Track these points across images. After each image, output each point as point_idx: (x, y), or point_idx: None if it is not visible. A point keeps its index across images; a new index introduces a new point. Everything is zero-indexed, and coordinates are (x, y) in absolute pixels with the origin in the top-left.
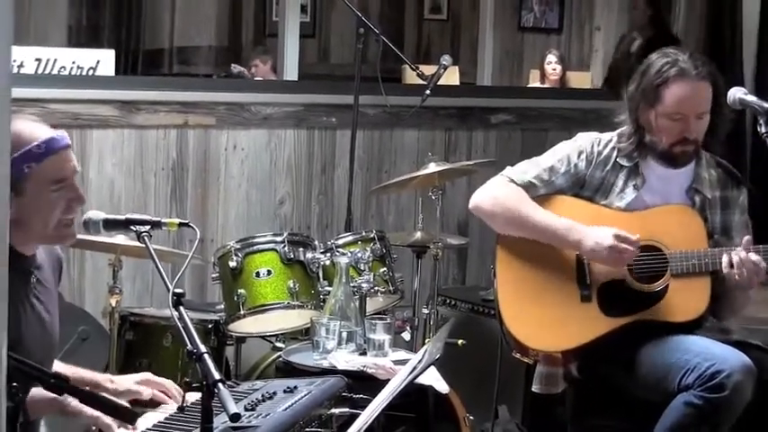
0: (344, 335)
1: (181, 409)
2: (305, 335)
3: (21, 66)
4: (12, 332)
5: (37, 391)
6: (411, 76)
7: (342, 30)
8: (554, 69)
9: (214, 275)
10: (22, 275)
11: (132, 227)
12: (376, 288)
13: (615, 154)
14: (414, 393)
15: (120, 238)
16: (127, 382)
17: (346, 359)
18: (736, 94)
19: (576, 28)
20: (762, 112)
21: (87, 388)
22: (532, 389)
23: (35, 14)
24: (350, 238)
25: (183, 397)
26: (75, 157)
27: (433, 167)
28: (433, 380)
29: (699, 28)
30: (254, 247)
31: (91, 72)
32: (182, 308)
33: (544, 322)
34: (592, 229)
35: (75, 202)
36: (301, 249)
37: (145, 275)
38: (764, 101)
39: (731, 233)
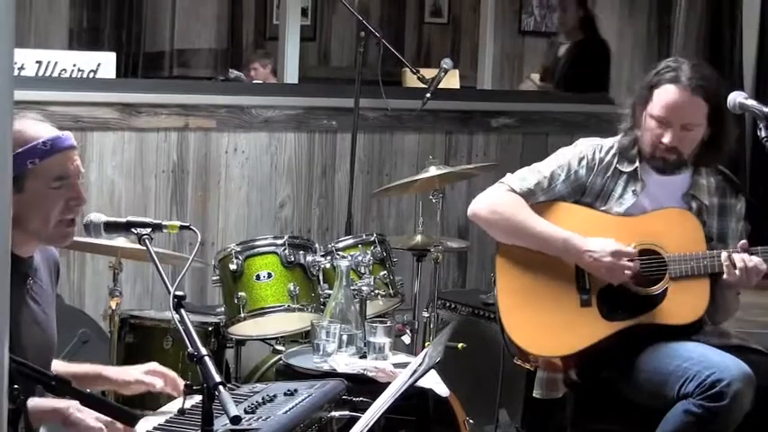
0: (345, 338)
1: (181, 411)
2: (305, 338)
3: (21, 68)
4: (9, 334)
5: (38, 401)
6: (411, 80)
7: (342, 33)
8: None
9: (214, 278)
10: (19, 278)
11: (133, 230)
12: (376, 291)
13: (616, 160)
14: (414, 396)
15: (120, 241)
16: (134, 372)
17: (346, 362)
18: (736, 98)
19: None
20: (762, 117)
21: (88, 390)
22: (533, 394)
23: (36, 17)
24: (350, 241)
25: (184, 400)
26: (79, 159)
27: (433, 171)
28: (434, 383)
29: (698, 33)
30: (255, 250)
31: (92, 75)
32: (182, 310)
33: (545, 328)
34: (591, 241)
35: (75, 201)
36: (302, 252)
37: (145, 278)
38: (764, 105)
39: (727, 240)
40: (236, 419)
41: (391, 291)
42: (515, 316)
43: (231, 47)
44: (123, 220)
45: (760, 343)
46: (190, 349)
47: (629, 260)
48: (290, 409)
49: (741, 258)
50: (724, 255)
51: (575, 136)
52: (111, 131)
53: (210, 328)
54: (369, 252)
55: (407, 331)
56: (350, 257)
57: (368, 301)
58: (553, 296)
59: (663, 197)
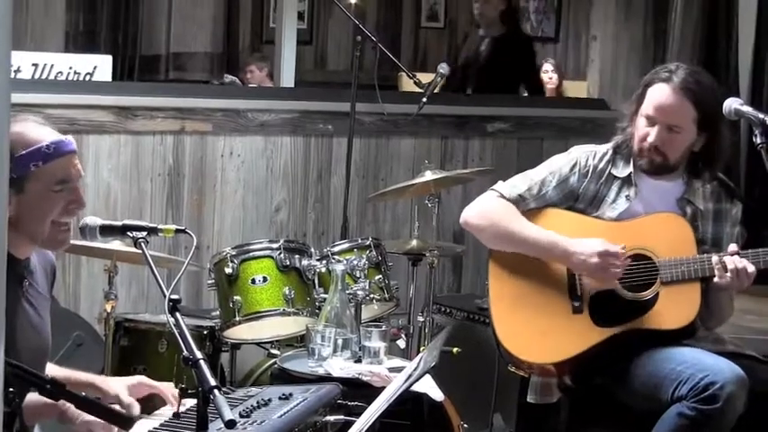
0: (340, 342)
1: (176, 415)
2: (300, 342)
3: (18, 71)
4: (5, 337)
5: (33, 397)
6: (408, 84)
7: (339, 37)
8: (550, 78)
9: (210, 282)
10: (15, 279)
11: (129, 233)
12: (371, 295)
13: (610, 166)
14: (409, 401)
15: (115, 244)
16: (118, 385)
17: (341, 366)
18: (731, 104)
19: (573, 37)
20: (757, 123)
21: (83, 393)
22: (527, 399)
23: (32, 19)
24: (346, 245)
25: (179, 403)
26: (80, 164)
27: (429, 175)
28: (428, 388)
29: (694, 37)
30: (250, 254)
31: (88, 77)
32: (178, 314)
33: (537, 335)
34: (578, 242)
35: (74, 204)
36: (297, 256)
37: (140, 281)
38: (760, 111)
39: (722, 245)
40: (230, 423)
41: (386, 295)
42: (508, 323)
43: (227, 50)
44: (119, 223)
45: (755, 349)
46: (185, 353)
47: (619, 260)
48: (284, 414)
49: (732, 261)
50: (715, 258)
51: (570, 141)
52: (107, 134)
53: (206, 332)
54: (364, 256)
55: (402, 336)
56: (345, 261)
57: (363, 306)
58: (545, 303)
59: (657, 202)
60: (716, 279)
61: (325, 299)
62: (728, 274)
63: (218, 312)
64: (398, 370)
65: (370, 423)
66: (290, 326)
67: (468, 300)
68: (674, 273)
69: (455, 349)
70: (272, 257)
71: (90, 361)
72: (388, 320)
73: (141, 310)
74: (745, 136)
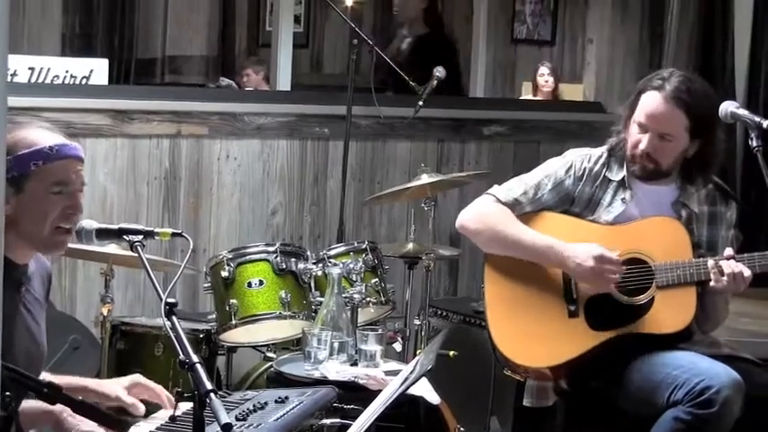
0: (336, 345)
1: (172, 418)
2: (296, 345)
3: (14, 74)
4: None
5: (30, 404)
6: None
7: (335, 40)
8: (546, 81)
9: (206, 285)
10: (12, 285)
11: (125, 236)
12: (368, 299)
13: (605, 169)
14: (405, 404)
15: (112, 248)
16: (116, 387)
17: (338, 370)
18: (727, 107)
19: (569, 40)
20: (753, 126)
21: (80, 397)
22: (523, 402)
23: (29, 22)
24: (342, 248)
25: (175, 406)
26: (84, 172)
27: (425, 179)
28: (425, 391)
29: (690, 41)
30: (247, 257)
31: (84, 81)
32: (174, 317)
33: (533, 339)
34: (573, 247)
35: (72, 210)
36: (293, 260)
37: (136, 285)
38: (756, 114)
39: (717, 248)
40: (227, 427)
41: (383, 298)
42: (504, 327)
43: (223, 54)
44: (115, 226)
45: (750, 352)
46: (181, 356)
47: (615, 267)
48: (281, 417)
49: (728, 265)
50: (711, 262)
51: (567, 144)
52: (103, 138)
53: (202, 336)
54: (360, 260)
55: (399, 339)
56: (341, 265)
57: (359, 309)
58: (541, 307)
59: (652, 205)
60: (712, 283)
61: (321, 302)
62: (725, 278)
63: (214, 316)
64: (395, 373)
65: (366, 426)
66: (286, 329)
67: (464, 303)
68: (670, 277)
69: (451, 352)
70: (268, 261)
71: (86, 364)
72: (384, 324)
73: (137, 314)
74: (741, 139)
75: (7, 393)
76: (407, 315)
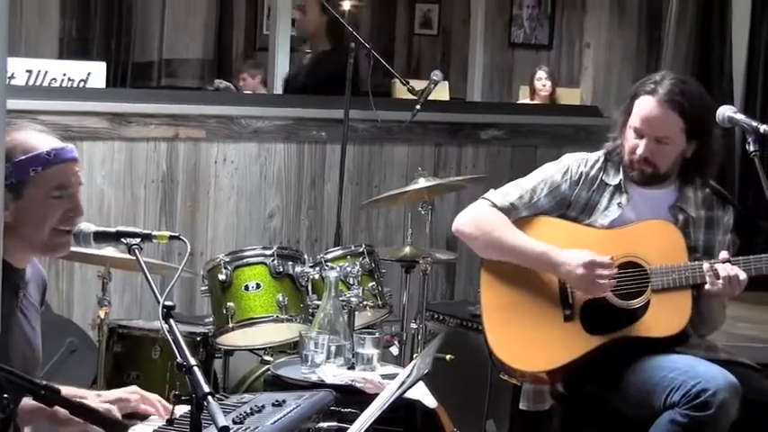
0: (333, 349)
1: (169, 421)
2: (293, 348)
3: (12, 77)
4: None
5: (26, 400)
6: (401, 91)
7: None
8: (543, 85)
9: (203, 288)
10: (10, 288)
11: (123, 239)
12: (365, 302)
13: (601, 173)
14: (402, 408)
15: (109, 251)
16: (113, 395)
17: (335, 373)
18: (725, 112)
19: (566, 44)
20: (750, 131)
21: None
22: (520, 406)
23: (26, 26)
24: (339, 252)
25: (173, 410)
26: (80, 172)
27: (422, 182)
28: (422, 394)
29: (688, 45)
30: (244, 261)
31: (82, 84)
32: (171, 320)
33: (529, 344)
34: (566, 254)
35: (73, 212)
36: (290, 263)
37: (134, 288)
38: (753, 119)
39: (714, 253)
40: (224, 430)
41: (380, 302)
42: (500, 331)
43: (220, 57)
44: (113, 229)
45: (748, 357)
46: (178, 359)
47: (606, 271)
48: (278, 420)
49: (724, 268)
50: (706, 265)
51: (563, 149)
52: (100, 141)
53: (199, 339)
54: (357, 263)
55: (396, 342)
56: (338, 268)
57: (356, 312)
58: (537, 311)
59: (649, 209)
60: (707, 286)
61: (318, 305)
62: (720, 281)
63: (211, 319)
64: (392, 377)
65: (363, 430)
66: (283, 332)
67: (461, 307)
68: (666, 280)
69: (448, 356)
70: (265, 264)
71: (83, 367)
72: (381, 327)
73: (135, 317)
74: (739, 144)
75: (5, 396)
76: (404, 319)
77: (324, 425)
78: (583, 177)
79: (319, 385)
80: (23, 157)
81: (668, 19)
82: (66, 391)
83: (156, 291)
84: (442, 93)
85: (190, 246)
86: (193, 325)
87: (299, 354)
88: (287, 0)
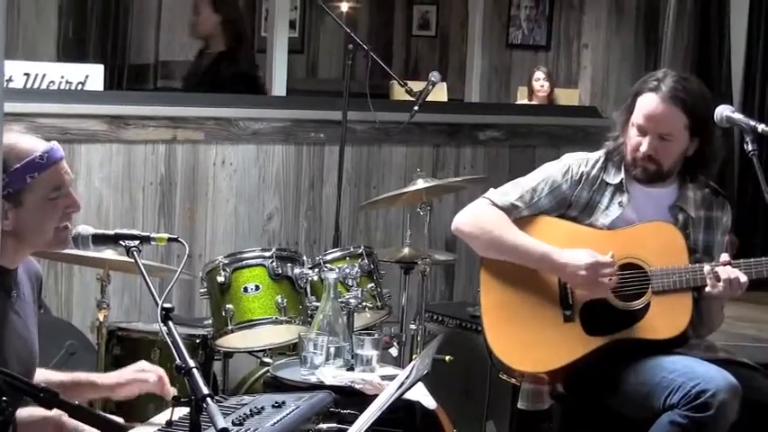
0: (332, 350)
1: (169, 423)
2: (293, 350)
3: (9, 80)
4: None
5: (29, 411)
6: (399, 93)
7: (330, 45)
8: (542, 86)
9: (202, 290)
10: (2, 290)
11: (121, 242)
12: (364, 304)
13: (602, 173)
14: (401, 409)
15: (108, 253)
16: (124, 373)
17: (334, 374)
18: (723, 111)
19: (564, 45)
20: (749, 130)
21: (76, 402)
22: (519, 406)
23: (24, 29)
24: (338, 253)
25: (171, 411)
26: (68, 167)
27: (421, 184)
28: (421, 395)
29: (686, 45)
30: (243, 263)
31: (80, 87)
32: (170, 322)
33: (528, 344)
34: (567, 254)
35: (71, 208)
36: (289, 265)
37: (132, 290)
38: (751, 118)
39: (713, 253)
40: None
41: (379, 303)
42: (499, 332)
43: None
44: (111, 232)
45: (748, 356)
46: (178, 361)
47: (608, 270)
48: (277, 422)
49: (725, 271)
50: (707, 268)
51: (562, 149)
52: (99, 143)
53: (198, 341)
54: (356, 264)
55: (395, 344)
56: (337, 270)
57: (355, 314)
58: (536, 312)
59: (649, 209)
60: (708, 289)
61: (317, 307)
62: (721, 284)
63: (210, 321)
64: (391, 378)
65: (362, 431)
66: (282, 334)
67: (460, 308)
68: (666, 282)
69: (447, 357)
70: (264, 266)
71: (82, 370)
72: (380, 328)
73: (134, 319)
74: (737, 143)
75: (3, 398)
76: (403, 320)
77: (323, 426)
78: (584, 177)
79: (319, 387)
80: (19, 165)
81: (666, 19)
82: (75, 376)
83: (155, 293)
84: (440, 94)
85: (188, 248)
86: (192, 327)
87: (298, 355)
88: (285, 2)
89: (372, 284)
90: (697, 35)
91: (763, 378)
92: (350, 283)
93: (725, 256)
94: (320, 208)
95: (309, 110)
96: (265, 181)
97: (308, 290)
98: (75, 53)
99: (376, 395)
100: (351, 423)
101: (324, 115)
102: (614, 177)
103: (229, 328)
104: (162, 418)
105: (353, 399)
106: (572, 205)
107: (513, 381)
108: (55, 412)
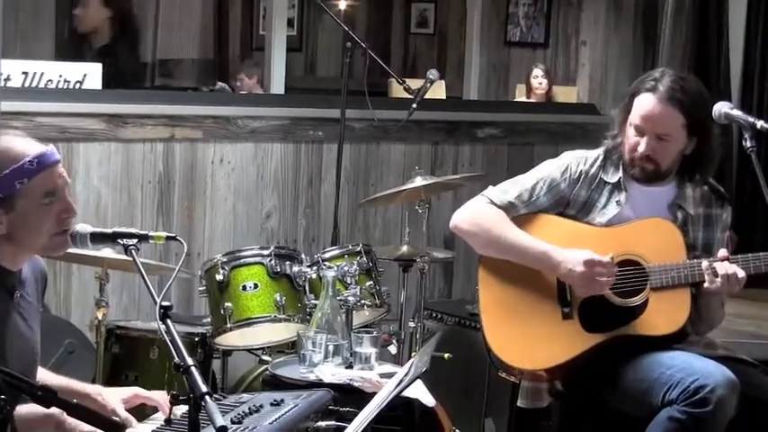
0: (331, 348)
1: (168, 421)
2: (291, 348)
3: (8, 79)
4: None
5: (28, 408)
6: (398, 90)
7: (328, 44)
8: (540, 84)
9: (201, 289)
10: (5, 291)
11: (120, 240)
12: (362, 301)
13: (601, 171)
14: (400, 406)
15: (106, 252)
16: (115, 399)
17: (333, 372)
18: (721, 108)
19: (563, 42)
20: (747, 127)
21: (75, 400)
22: (518, 404)
23: (22, 28)
24: (336, 251)
25: (170, 410)
26: (65, 171)
27: (419, 181)
28: (420, 393)
29: (684, 43)
30: (241, 261)
31: (78, 85)
32: (169, 321)
33: (527, 341)
34: (565, 253)
35: (66, 214)
36: (288, 263)
37: (131, 289)
38: (750, 115)
39: (713, 250)
40: (222, 430)
41: (377, 301)
42: (498, 329)
43: (217, 57)
44: (110, 230)
45: (747, 353)
46: (176, 360)
47: (606, 269)
48: (276, 420)
49: (723, 266)
50: (705, 264)
51: (560, 147)
52: (97, 142)
53: (197, 339)
54: (355, 262)
55: (393, 341)
56: (336, 268)
57: (354, 312)
58: (535, 309)
59: (648, 207)
60: (706, 284)
61: (316, 305)
62: (719, 279)
63: (209, 319)
64: (390, 376)
65: (361, 429)
66: (281, 332)
67: (458, 305)
68: (664, 278)
69: (446, 355)
70: (262, 264)
71: (81, 368)
72: (379, 326)
73: (132, 318)
74: (736, 140)
75: (2, 397)
76: (402, 318)
77: (322, 424)
78: (582, 176)
79: (317, 384)
80: (7, 171)
81: (664, 16)
82: (73, 385)
83: (154, 291)
84: (438, 91)
85: (187, 246)
86: (191, 325)
87: (297, 353)
88: (283, 0)
89: (371, 282)
90: (695, 32)
91: (762, 375)
92: (348, 281)
93: (723, 252)
94: (319, 206)
95: (308, 108)
96: (264, 179)
97: (307, 288)
98: (73, 52)
99: (375, 393)
100: (349, 421)
101: (322, 113)
102: (612, 176)
103: (228, 326)
104: (161, 415)
105: (352, 396)
106: (570, 203)
107: (512, 378)
108: (56, 410)
